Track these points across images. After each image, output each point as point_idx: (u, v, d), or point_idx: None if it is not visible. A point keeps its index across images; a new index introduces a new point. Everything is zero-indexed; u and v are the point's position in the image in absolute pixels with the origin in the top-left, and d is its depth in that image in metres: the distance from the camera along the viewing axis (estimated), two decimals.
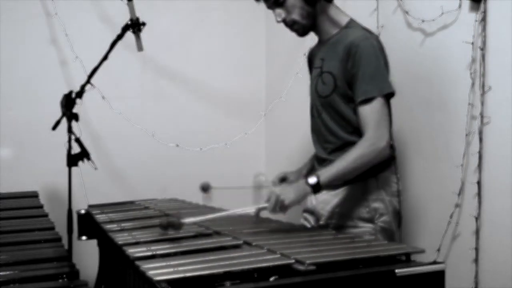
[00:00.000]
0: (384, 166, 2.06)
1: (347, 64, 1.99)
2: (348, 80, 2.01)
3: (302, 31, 2.11)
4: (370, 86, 1.95)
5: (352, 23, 2.11)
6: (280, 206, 1.85)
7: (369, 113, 1.95)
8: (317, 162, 2.20)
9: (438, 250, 2.23)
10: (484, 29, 2.06)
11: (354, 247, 1.59)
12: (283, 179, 2.28)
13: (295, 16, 2.06)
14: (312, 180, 1.89)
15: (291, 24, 2.08)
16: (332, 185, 1.98)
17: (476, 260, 2.08)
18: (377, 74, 1.97)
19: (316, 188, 1.89)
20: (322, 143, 2.15)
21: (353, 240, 1.73)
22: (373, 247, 1.58)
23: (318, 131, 2.16)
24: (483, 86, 2.07)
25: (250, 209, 1.91)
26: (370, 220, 2.03)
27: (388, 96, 2.00)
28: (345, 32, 2.08)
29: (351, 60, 1.97)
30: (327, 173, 1.92)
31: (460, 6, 2.15)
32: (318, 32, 2.15)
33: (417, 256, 1.52)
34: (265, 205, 1.88)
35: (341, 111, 2.05)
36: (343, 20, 2.11)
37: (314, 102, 2.16)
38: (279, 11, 2.07)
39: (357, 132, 2.02)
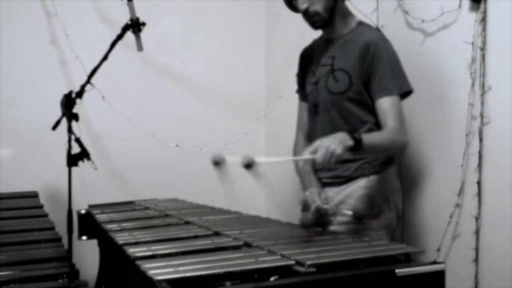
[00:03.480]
0: (387, 163, 2.07)
1: (364, 62, 2.02)
2: (364, 79, 2.03)
3: (319, 24, 2.10)
4: (391, 83, 2.00)
5: (363, 23, 2.16)
6: (331, 156, 1.72)
7: (390, 107, 1.99)
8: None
9: (438, 250, 2.23)
10: (484, 29, 2.06)
11: (354, 247, 1.59)
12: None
13: (318, 7, 2.05)
14: (357, 135, 1.81)
15: (312, 15, 2.07)
16: (366, 151, 1.90)
17: (476, 260, 2.08)
18: (397, 71, 2.03)
19: (357, 146, 1.80)
20: None
21: (353, 240, 1.73)
22: (373, 247, 1.58)
23: (321, 129, 2.15)
24: (483, 86, 2.07)
25: (299, 158, 1.77)
26: (375, 217, 2.04)
27: (406, 94, 2.05)
28: (358, 31, 2.11)
29: (369, 58, 2.01)
30: (368, 138, 1.85)
31: (460, 6, 2.15)
32: (329, 29, 2.14)
33: (417, 256, 1.52)
34: (313, 156, 1.73)
35: (353, 111, 2.06)
36: (353, 21, 2.15)
37: (322, 99, 2.14)
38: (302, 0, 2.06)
39: (367, 133, 2.03)
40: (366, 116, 2.06)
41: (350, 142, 1.78)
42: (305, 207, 2.08)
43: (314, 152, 1.73)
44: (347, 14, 2.15)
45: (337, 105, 2.09)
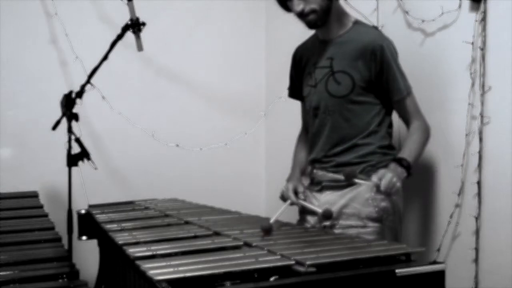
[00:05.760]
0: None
1: (370, 65, 2.04)
2: (371, 80, 2.05)
3: (314, 23, 2.09)
4: (403, 83, 2.08)
5: (359, 22, 2.15)
6: (393, 187, 1.93)
7: (412, 104, 2.11)
8: (318, 163, 2.18)
9: (438, 250, 2.23)
10: (484, 29, 2.06)
11: (354, 247, 1.58)
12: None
13: (315, 5, 2.04)
14: (405, 163, 2.00)
15: (308, 13, 2.06)
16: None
17: (476, 260, 2.08)
18: (402, 71, 2.10)
19: (408, 172, 2.01)
20: (324, 145, 2.14)
21: (353, 240, 1.73)
22: (373, 247, 1.58)
23: (321, 132, 2.15)
24: (483, 86, 2.07)
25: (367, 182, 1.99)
26: (379, 220, 2.04)
27: None
28: (356, 31, 2.10)
29: (378, 61, 2.04)
30: (410, 156, 2.03)
31: (460, 6, 2.15)
32: (324, 30, 2.13)
33: (417, 256, 1.52)
34: (376, 182, 1.93)
35: (357, 112, 2.06)
36: (349, 21, 2.14)
37: (323, 102, 2.13)
38: (298, 1, 2.05)
39: (371, 135, 2.07)
40: (370, 116, 2.07)
41: (405, 174, 2.00)
42: (282, 198, 2.18)
43: (380, 178, 1.92)
44: (342, 14, 2.14)
45: (339, 108, 2.09)
